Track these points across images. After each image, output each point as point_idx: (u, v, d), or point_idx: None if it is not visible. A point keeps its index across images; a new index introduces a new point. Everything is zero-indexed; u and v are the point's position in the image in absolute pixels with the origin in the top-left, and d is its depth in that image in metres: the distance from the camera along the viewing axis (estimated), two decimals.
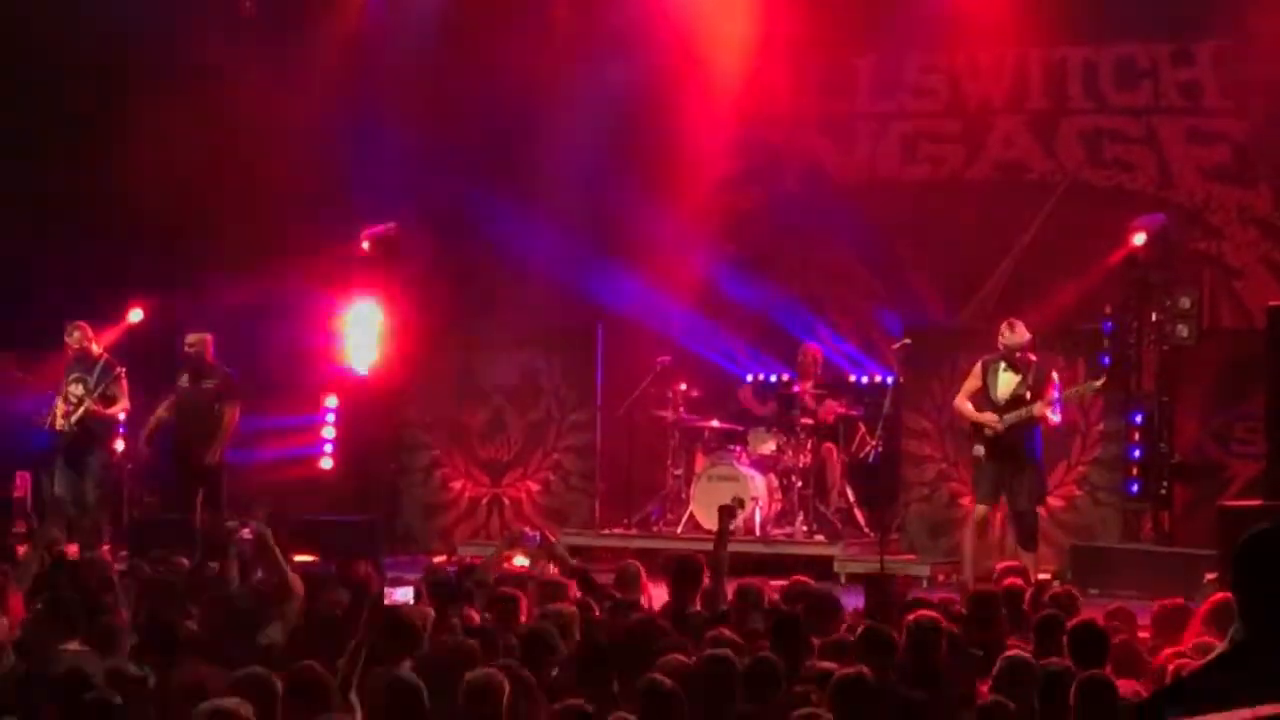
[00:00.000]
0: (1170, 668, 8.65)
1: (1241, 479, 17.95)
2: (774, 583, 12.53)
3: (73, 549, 16.53)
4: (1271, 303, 16.81)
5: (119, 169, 19.68)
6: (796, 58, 20.35)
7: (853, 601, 12.23)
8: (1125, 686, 8.32)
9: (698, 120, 20.35)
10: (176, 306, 19.16)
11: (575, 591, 11.71)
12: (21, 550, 14.47)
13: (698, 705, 8.06)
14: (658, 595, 12.21)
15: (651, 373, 19.21)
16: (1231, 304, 19.32)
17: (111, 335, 18.59)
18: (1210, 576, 13.91)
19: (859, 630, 9.49)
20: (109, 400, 17.62)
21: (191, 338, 17.86)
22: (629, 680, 8.36)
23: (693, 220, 20.40)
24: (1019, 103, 20.13)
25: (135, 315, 19.08)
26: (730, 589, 11.83)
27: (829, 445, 18.94)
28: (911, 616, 9.48)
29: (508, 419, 20.46)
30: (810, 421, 18.72)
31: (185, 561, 13.47)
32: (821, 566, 17.42)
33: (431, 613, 10.41)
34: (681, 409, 19.23)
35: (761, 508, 18.39)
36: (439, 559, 17.78)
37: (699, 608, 11.45)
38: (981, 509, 15.81)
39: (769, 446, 18.88)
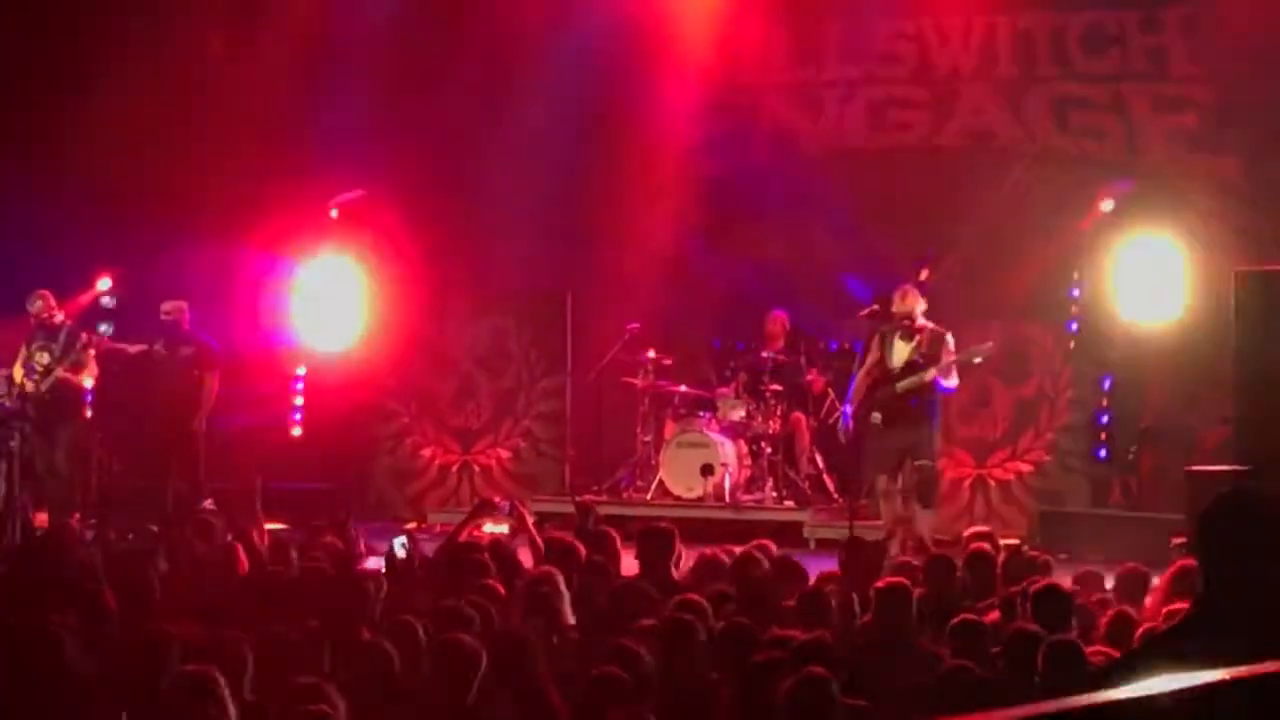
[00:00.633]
0: (1137, 633, 8.71)
1: (1209, 444, 18.00)
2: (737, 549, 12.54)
3: (42, 518, 16.57)
4: (1238, 268, 16.86)
5: (85, 138, 19.58)
6: (764, 24, 20.33)
7: (816, 566, 12.22)
8: (1092, 652, 8.38)
9: (666, 87, 20.32)
10: (143, 276, 19.09)
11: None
12: None
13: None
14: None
15: (621, 340, 19.24)
16: None
17: (79, 304, 18.54)
18: (1178, 540, 13.99)
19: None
20: (77, 367, 17.55)
21: (167, 305, 17.79)
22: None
23: (661, 187, 20.38)
24: (987, 70, 20.12)
25: (103, 284, 19.02)
26: (691, 558, 11.89)
27: (798, 412, 18.98)
28: (880, 582, 9.54)
29: (477, 386, 20.47)
30: (779, 388, 18.75)
31: (155, 529, 13.47)
32: (791, 532, 17.49)
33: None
34: (651, 376, 19.26)
35: (731, 474, 18.43)
36: (409, 526, 17.80)
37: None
38: (883, 479, 15.95)
39: (738, 413, 18.90)
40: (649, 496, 18.69)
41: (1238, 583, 4.96)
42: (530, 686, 7.83)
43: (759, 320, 19.54)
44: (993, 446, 18.75)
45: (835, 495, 18.55)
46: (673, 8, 20.28)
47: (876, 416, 15.80)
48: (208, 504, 16.13)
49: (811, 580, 10.98)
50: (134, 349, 17.89)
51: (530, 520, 13.53)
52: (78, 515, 17.30)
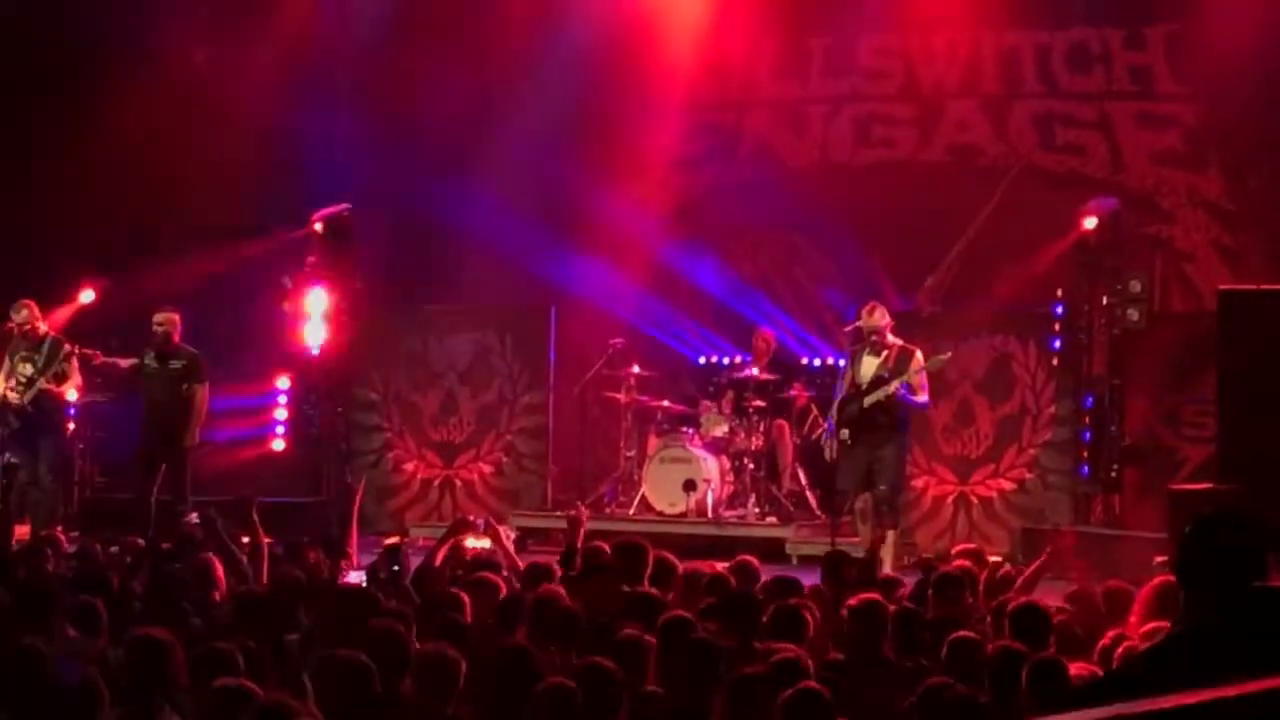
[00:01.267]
0: (1118, 651, 8.70)
1: (1192, 462, 18.02)
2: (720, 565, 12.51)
3: (24, 529, 16.51)
4: (1221, 286, 16.89)
5: (70, 150, 19.57)
6: (750, 41, 20.38)
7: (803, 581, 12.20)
8: (1074, 668, 8.37)
9: (652, 102, 20.37)
10: (127, 288, 19.04)
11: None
12: None
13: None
14: None
15: (604, 355, 19.23)
16: (1182, 287, 19.42)
17: (63, 315, 18.48)
18: (1160, 559, 13.97)
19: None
20: (60, 378, 17.44)
21: (159, 316, 17.52)
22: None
23: (646, 202, 20.41)
24: (972, 86, 20.18)
25: (86, 296, 18.96)
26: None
27: (781, 427, 18.97)
28: (854, 600, 9.51)
29: (460, 401, 20.45)
30: (764, 404, 18.75)
31: (140, 541, 13.41)
32: (773, 548, 17.47)
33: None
34: (634, 391, 19.25)
35: (713, 490, 18.42)
36: (390, 540, 17.74)
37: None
38: (860, 497, 15.94)
39: (721, 429, 18.89)
40: (631, 512, 18.66)
41: (1218, 603, 4.96)
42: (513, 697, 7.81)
43: (744, 336, 19.55)
44: (975, 464, 18.74)
45: (818, 511, 18.54)
46: (658, 24, 20.31)
47: (844, 433, 15.81)
48: (192, 517, 16.05)
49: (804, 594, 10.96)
50: (125, 363, 17.79)
51: (508, 538, 13.50)
52: (60, 527, 17.22)
